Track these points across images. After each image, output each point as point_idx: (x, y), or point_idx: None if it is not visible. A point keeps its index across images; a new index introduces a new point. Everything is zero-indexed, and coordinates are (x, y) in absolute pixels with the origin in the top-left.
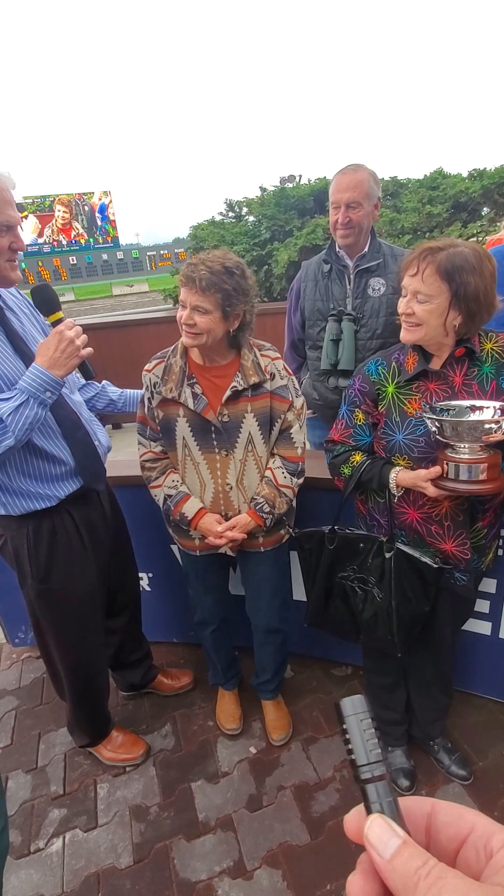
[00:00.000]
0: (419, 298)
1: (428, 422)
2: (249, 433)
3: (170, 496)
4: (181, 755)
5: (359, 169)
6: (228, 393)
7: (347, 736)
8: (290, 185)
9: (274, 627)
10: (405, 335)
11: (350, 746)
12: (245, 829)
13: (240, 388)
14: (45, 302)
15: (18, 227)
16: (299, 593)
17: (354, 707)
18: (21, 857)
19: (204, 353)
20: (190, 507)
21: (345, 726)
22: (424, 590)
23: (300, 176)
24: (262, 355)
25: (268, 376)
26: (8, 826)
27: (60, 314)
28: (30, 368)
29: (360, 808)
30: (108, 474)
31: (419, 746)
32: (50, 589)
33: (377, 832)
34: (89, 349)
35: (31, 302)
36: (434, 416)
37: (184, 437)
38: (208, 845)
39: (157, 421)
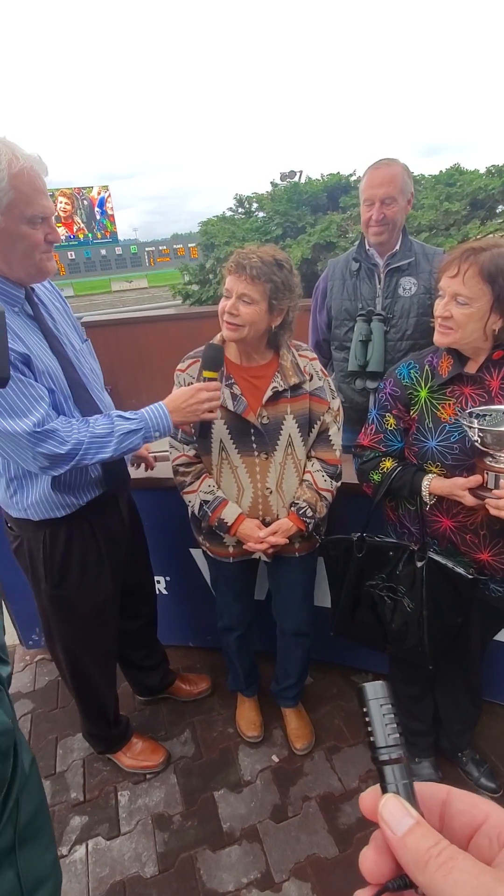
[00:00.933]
0: (459, 301)
1: (468, 430)
2: (289, 435)
3: (206, 501)
4: (202, 763)
5: (392, 163)
6: (269, 393)
7: (367, 719)
8: (292, 181)
9: (303, 630)
10: (438, 338)
11: (370, 729)
12: (271, 840)
13: (280, 388)
14: (211, 361)
15: (52, 217)
16: (320, 599)
17: (376, 692)
18: None
19: (242, 350)
20: (229, 513)
21: (365, 710)
22: (457, 601)
23: (300, 172)
24: (300, 356)
25: (307, 377)
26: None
27: (215, 374)
28: (157, 404)
29: (376, 787)
30: None
31: (447, 758)
32: (63, 595)
33: (391, 810)
34: (213, 415)
35: (62, 295)
36: (476, 426)
37: (221, 440)
38: (234, 856)
39: (192, 423)
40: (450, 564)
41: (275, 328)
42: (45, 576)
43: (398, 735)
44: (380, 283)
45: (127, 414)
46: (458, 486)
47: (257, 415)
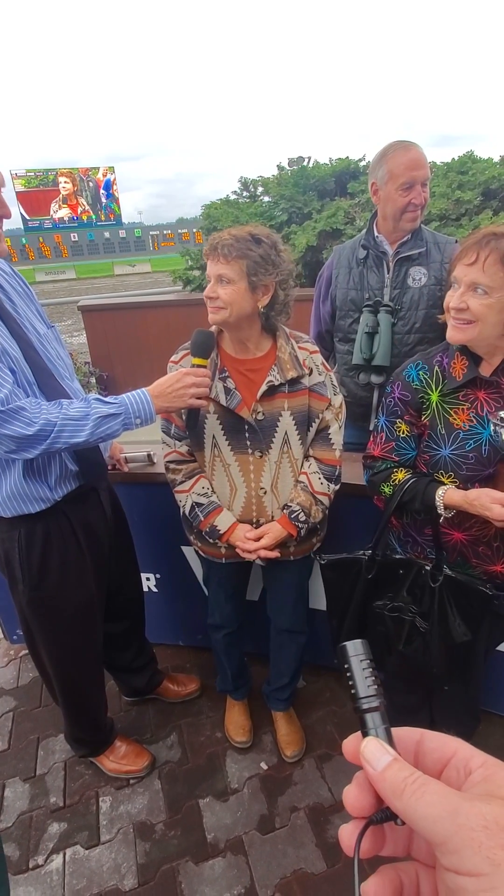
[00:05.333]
0: (478, 290)
1: (501, 431)
2: (286, 433)
3: (199, 504)
4: (188, 768)
5: (415, 144)
6: (264, 388)
7: (349, 673)
8: (297, 168)
9: (297, 628)
10: (454, 334)
11: (351, 682)
12: (257, 853)
13: (276, 382)
14: (199, 346)
15: (2, 189)
16: (315, 602)
17: (356, 649)
18: (20, 874)
19: (236, 339)
20: (223, 521)
21: (347, 666)
22: (470, 617)
23: (309, 158)
24: (299, 348)
25: (306, 371)
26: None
27: (205, 362)
28: (140, 389)
29: (358, 733)
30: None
31: None
32: (43, 597)
33: (371, 749)
34: (202, 402)
35: (25, 281)
36: None
37: (213, 436)
38: (218, 869)
39: (183, 418)
40: (467, 581)
41: (264, 309)
42: (21, 578)
43: (377, 687)
44: (388, 273)
45: (109, 399)
46: (488, 498)
47: (252, 410)
